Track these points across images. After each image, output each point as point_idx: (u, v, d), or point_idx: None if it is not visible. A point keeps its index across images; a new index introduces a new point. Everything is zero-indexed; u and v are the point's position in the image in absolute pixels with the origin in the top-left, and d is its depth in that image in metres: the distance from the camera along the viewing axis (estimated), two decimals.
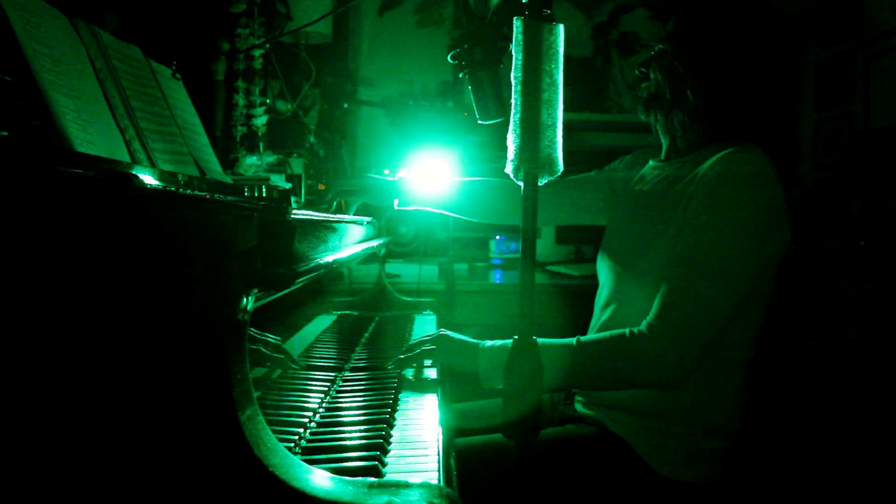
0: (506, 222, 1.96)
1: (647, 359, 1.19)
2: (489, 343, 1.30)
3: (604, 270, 1.50)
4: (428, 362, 1.38)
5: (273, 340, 1.26)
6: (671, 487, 1.30)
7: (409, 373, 1.35)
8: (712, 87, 1.33)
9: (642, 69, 1.44)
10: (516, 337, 0.95)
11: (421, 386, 1.27)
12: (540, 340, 0.99)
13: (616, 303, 1.42)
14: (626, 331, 1.23)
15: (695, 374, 1.25)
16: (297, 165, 2.79)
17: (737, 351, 1.32)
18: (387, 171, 2.43)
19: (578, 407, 1.47)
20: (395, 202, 1.77)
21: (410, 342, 1.40)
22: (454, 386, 1.39)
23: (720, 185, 1.21)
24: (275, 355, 1.25)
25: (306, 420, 1.00)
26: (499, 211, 1.78)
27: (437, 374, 1.34)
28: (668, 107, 1.39)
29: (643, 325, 1.22)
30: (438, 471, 0.85)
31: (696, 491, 1.31)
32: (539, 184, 0.96)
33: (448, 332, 1.36)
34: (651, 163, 1.50)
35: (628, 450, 1.32)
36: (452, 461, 0.93)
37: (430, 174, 1.82)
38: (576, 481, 1.31)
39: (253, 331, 1.00)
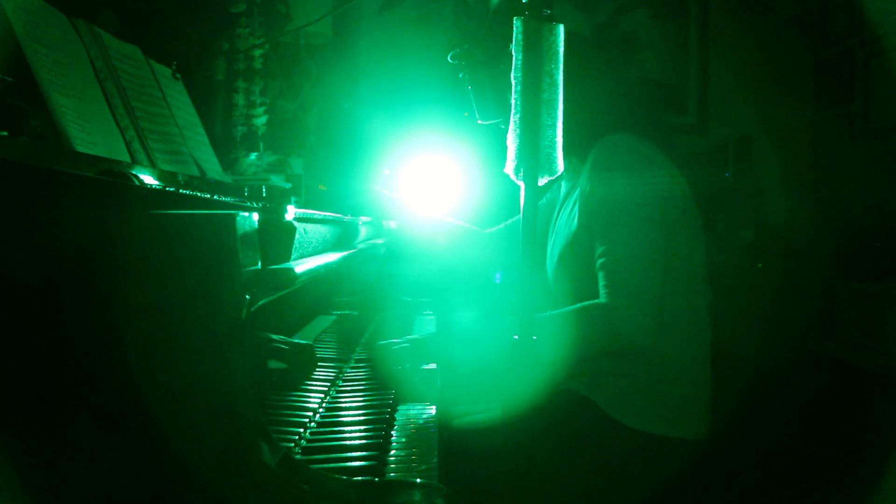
0: (486, 271, 2.09)
1: (621, 327, 1.26)
2: (458, 326, 1.38)
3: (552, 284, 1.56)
4: (430, 364, 1.38)
5: (301, 341, 1.26)
6: (641, 439, 1.33)
7: (410, 372, 1.35)
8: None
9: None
10: (516, 337, 0.96)
11: (421, 386, 1.27)
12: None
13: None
14: (589, 304, 1.31)
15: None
16: (297, 165, 2.79)
17: (690, 296, 1.38)
18: (386, 171, 2.43)
19: None
20: (392, 224, 1.84)
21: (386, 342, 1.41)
22: (455, 386, 1.39)
23: (595, 169, 1.38)
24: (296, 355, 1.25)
25: (306, 420, 1.00)
26: (480, 262, 1.90)
27: (438, 374, 1.34)
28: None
29: (604, 300, 1.29)
30: (438, 471, 0.85)
31: (672, 445, 1.34)
32: (539, 184, 0.97)
33: (416, 336, 1.40)
34: (563, 182, 1.61)
35: (595, 408, 1.36)
36: (453, 461, 0.94)
37: (423, 207, 1.86)
38: (551, 447, 1.33)
39: (274, 336, 1.01)
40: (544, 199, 1.72)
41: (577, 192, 1.44)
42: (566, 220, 1.47)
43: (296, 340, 1.18)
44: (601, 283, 1.31)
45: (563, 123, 1.44)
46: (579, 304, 1.32)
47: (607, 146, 1.40)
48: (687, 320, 1.39)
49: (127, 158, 1.18)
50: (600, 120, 1.45)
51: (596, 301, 1.31)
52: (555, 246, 1.51)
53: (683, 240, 1.38)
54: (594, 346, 1.33)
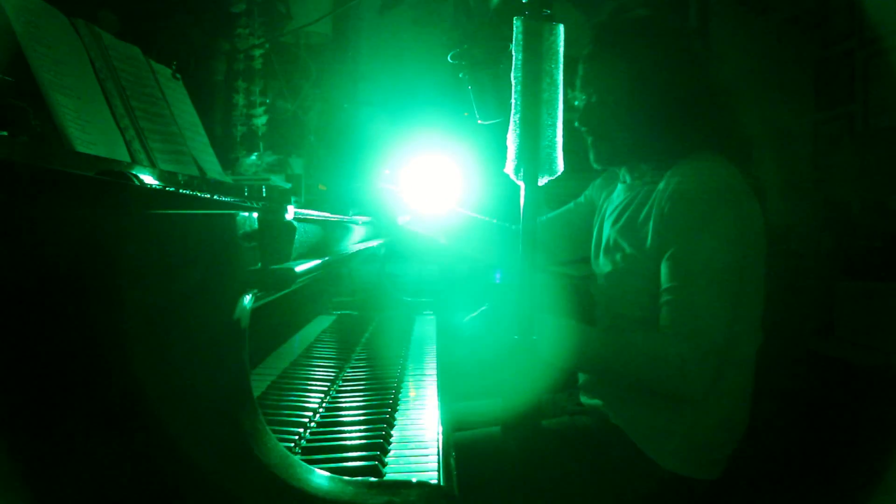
0: (494, 262, 2.06)
1: (670, 364, 1.20)
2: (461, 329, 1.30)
3: (596, 287, 1.52)
4: (430, 365, 1.38)
5: None
6: (671, 480, 1.29)
7: (410, 372, 1.35)
8: (649, 113, 1.36)
9: (576, 124, 1.46)
10: (516, 337, 0.96)
11: (421, 385, 1.27)
12: (562, 320, 1.09)
13: (610, 318, 1.45)
14: (649, 333, 1.26)
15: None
16: (297, 165, 2.79)
17: (744, 344, 1.32)
18: (387, 171, 2.43)
19: (583, 399, 1.48)
20: (400, 220, 1.83)
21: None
22: (454, 386, 1.39)
23: (681, 193, 1.26)
24: None
25: (306, 420, 1.00)
26: (487, 252, 1.84)
27: (437, 374, 1.34)
28: (621, 151, 1.43)
29: (666, 337, 1.23)
30: (438, 471, 0.85)
31: (696, 486, 1.31)
32: (539, 184, 0.97)
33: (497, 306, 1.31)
34: (620, 186, 1.52)
35: (627, 441, 1.32)
36: (452, 461, 0.94)
37: (429, 202, 1.84)
38: (570, 472, 1.31)
39: None
40: (585, 195, 1.67)
41: (650, 206, 1.34)
42: (633, 228, 1.38)
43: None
44: (665, 316, 1.24)
45: (640, 123, 1.35)
46: (643, 333, 1.28)
47: (698, 175, 1.29)
48: (744, 367, 1.34)
49: (127, 158, 1.17)
50: (690, 127, 1.35)
51: (659, 334, 1.24)
52: (608, 246, 1.44)
53: (755, 286, 1.32)
54: (636, 377, 1.27)
